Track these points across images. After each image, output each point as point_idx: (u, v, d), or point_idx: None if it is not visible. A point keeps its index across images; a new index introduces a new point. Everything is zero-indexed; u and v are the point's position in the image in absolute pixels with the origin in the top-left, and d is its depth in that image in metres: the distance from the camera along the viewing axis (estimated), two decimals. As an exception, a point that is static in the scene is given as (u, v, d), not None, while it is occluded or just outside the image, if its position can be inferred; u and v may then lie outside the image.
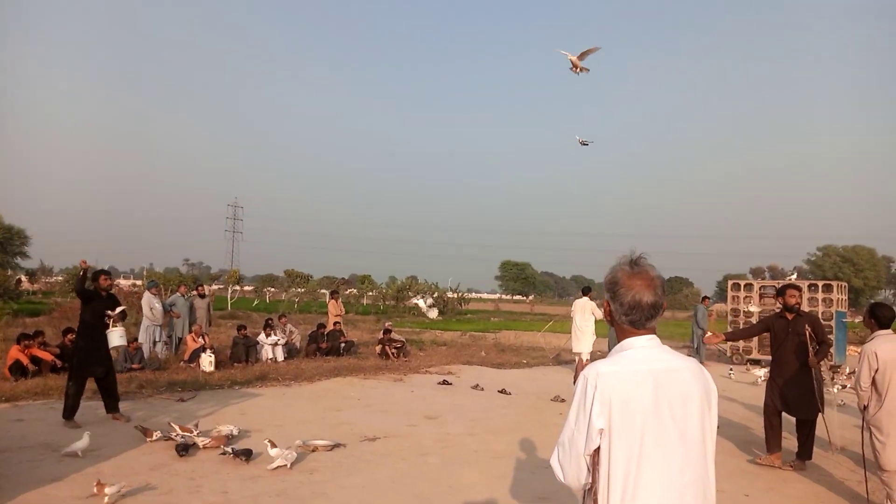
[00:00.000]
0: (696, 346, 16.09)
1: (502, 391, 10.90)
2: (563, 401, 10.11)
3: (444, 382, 11.73)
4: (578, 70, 7.85)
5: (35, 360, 10.54)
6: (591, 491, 1.96)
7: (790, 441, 6.94)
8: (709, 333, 7.22)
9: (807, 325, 6.58)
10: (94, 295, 7.85)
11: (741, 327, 14.12)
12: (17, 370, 10.16)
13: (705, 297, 17.39)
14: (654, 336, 2.05)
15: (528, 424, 8.36)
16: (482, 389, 11.12)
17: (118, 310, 7.90)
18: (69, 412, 7.54)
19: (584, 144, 8.33)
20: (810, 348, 6.48)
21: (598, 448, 1.91)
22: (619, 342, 2.07)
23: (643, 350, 2.01)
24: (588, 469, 1.93)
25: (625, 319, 2.03)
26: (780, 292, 6.91)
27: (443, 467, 6.27)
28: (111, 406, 7.89)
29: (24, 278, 43.66)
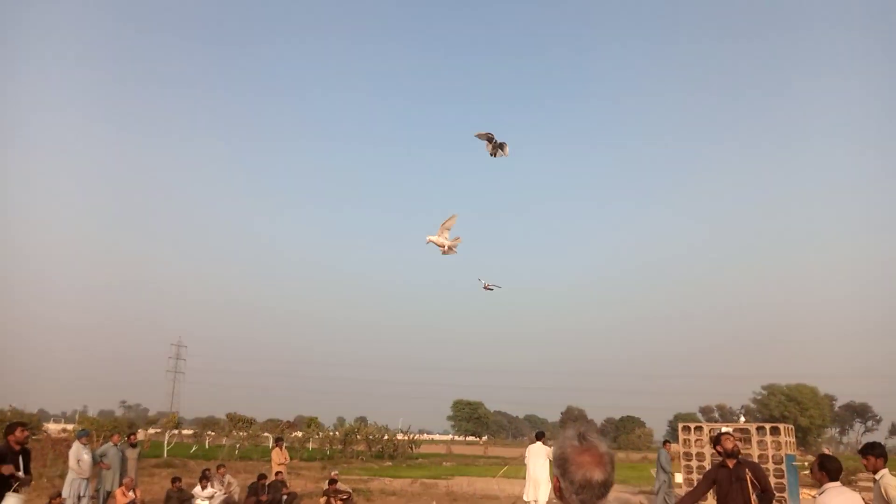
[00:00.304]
0: (657, 490, 15.63)
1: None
2: (517, 558, 9.62)
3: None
4: (448, 249, 7.35)
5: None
6: None
7: None
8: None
9: (747, 471, 6.54)
10: (7, 450, 7.28)
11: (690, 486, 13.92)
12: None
13: (666, 441, 17.06)
14: None
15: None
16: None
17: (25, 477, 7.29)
18: None
19: (489, 289, 8.19)
20: (753, 496, 6.40)
21: None
22: None
23: None
24: None
25: (575, 499, 2.01)
26: (716, 441, 6.85)
27: None
28: None
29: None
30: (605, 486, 2.01)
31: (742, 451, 6.94)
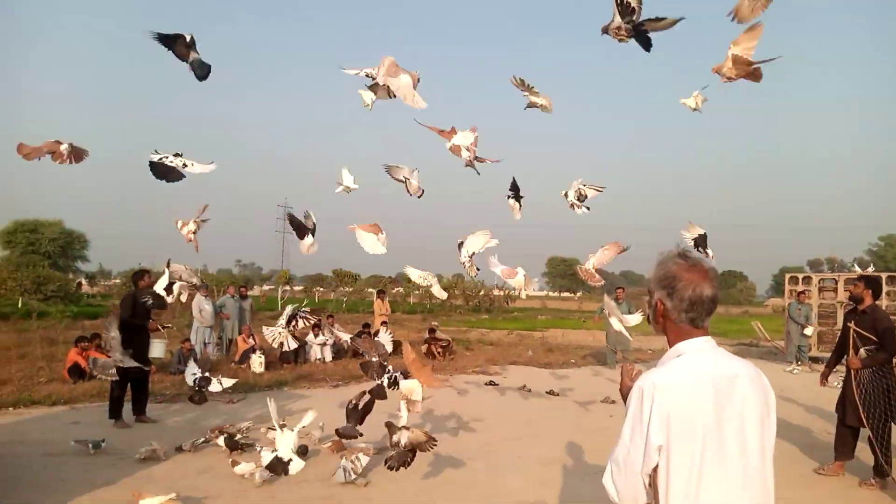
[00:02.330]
0: (797, 345, 14.81)
1: (550, 392, 10.72)
2: (613, 402, 9.87)
3: (491, 383, 11.62)
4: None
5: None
6: None
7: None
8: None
9: (853, 324, 6.18)
10: (136, 300, 7.92)
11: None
12: (76, 373, 10.45)
13: (801, 293, 15.86)
14: (709, 337, 1.94)
15: (577, 428, 8.18)
16: (529, 391, 10.96)
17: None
18: (115, 412, 7.75)
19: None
20: (861, 349, 6.06)
21: (656, 466, 1.79)
22: (671, 345, 1.96)
23: (699, 354, 1.90)
24: (646, 489, 1.82)
25: (684, 317, 1.92)
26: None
27: (488, 473, 6.16)
28: (138, 409, 8.06)
29: (83, 282, 45.27)
30: (714, 302, 1.92)
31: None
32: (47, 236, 48.12)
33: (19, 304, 25.52)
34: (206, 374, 7.23)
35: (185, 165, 5.22)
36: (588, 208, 6.37)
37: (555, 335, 22.50)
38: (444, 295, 7.62)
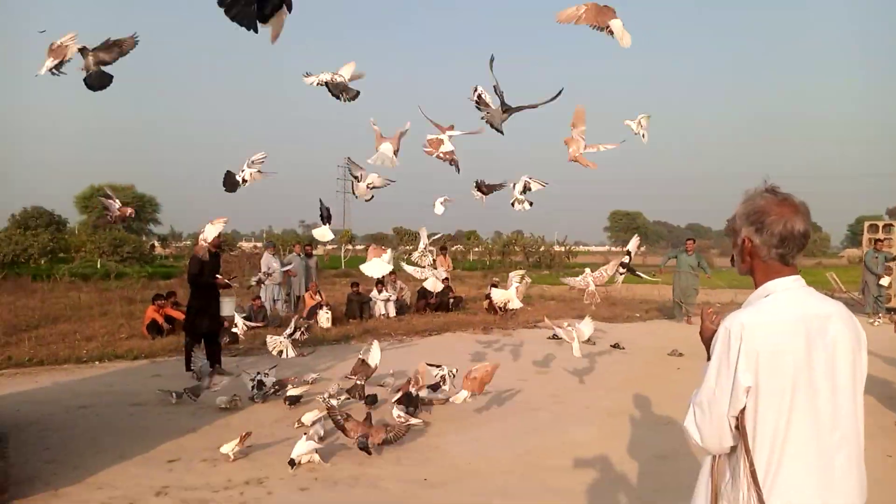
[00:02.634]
0: (875, 296, 14.29)
1: (615, 346, 10.61)
2: (681, 355, 9.71)
3: (554, 337, 11.56)
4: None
5: (169, 319, 11.29)
6: (730, 455, 1.80)
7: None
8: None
9: None
10: (203, 262, 8.17)
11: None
12: (154, 329, 10.95)
13: (879, 241, 15.19)
14: (799, 276, 1.84)
15: (644, 380, 8.09)
16: (594, 344, 10.87)
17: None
18: (191, 365, 8.10)
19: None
20: None
21: (743, 408, 1.73)
22: (758, 285, 1.87)
23: (789, 293, 1.80)
24: (732, 432, 1.76)
25: (774, 254, 1.82)
26: None
27: (555, 423, 6.18)
28: (212, 362, 8.32)
29: (156, 244, 47.16)
30: (806, 238, 1.83)
31: None
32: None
33: (98, 266, 26.81)
34: (259, 374, 7.22)
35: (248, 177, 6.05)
36: (531, 203, 6.46)
37: (618, 289, 22.15)
38: (438, 287, 7.71)
